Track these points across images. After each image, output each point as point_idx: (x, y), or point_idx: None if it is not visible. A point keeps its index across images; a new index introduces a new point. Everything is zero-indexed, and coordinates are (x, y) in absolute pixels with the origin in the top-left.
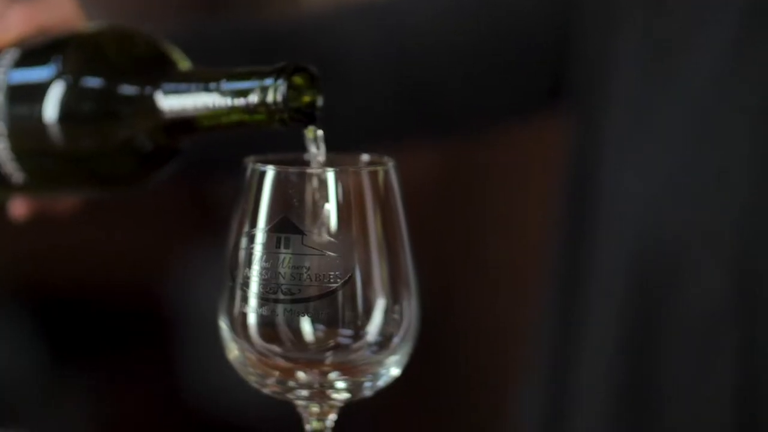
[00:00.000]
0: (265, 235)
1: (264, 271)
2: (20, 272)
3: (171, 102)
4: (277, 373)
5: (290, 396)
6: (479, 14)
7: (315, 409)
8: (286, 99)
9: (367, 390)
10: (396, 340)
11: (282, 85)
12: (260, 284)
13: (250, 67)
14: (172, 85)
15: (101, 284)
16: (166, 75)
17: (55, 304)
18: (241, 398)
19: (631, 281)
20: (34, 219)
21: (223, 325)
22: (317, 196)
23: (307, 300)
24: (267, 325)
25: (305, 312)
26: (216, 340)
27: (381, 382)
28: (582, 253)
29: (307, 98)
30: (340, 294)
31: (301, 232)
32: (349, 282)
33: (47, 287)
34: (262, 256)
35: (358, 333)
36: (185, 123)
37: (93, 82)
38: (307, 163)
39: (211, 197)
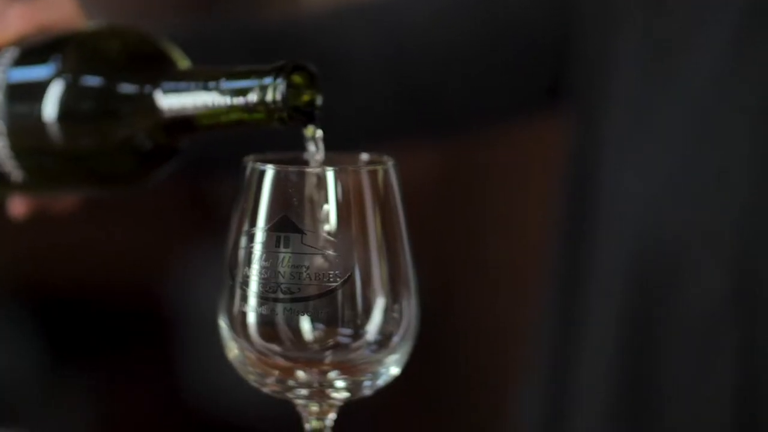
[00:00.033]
0: (265, 234)
1: (263, 270)
2: (20, 272)
3: (170, 101)
4: (276, 372)
5: (290, 395)
6: (479, 14)
7: (314, 408)
8: (285, 98)
9: (367, 389)
10: (395, 339)
11: (281, 84)
12: (260, 283)
13: (249, 66)
14: (171, 84)
15: (101, 284)
16: (165, 74)
17: (55, 304)
18: (240, 398)
19: (631, 281)
20: (34, 218)
21: (223, 324)
22: (317, 195)
23: (306, 299)
24: (266, 324)
25: (305, 311)
26: (216, 339)
27: (380, 382)
28: (582, 253)
29: (306, 97)
30: (339, 293)
31: (300, 232)
32: (349, 281)
33: (47, 287)
34: (261, 255)
35: (358, 332)
36: (185, 122)
37: (92, 80)
38: (306, 163)
39: (210, 196)
